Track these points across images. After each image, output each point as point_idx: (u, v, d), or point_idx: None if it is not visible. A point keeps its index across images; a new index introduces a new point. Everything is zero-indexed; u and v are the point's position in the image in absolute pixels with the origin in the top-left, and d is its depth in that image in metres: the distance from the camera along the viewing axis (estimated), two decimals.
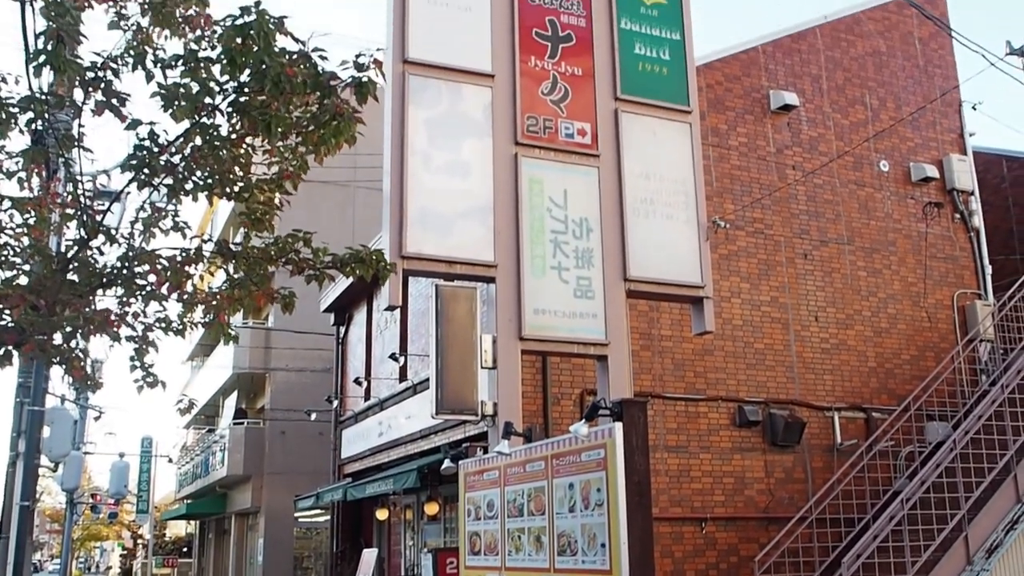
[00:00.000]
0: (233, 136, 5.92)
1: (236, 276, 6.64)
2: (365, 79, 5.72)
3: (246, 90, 5.59)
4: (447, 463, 9.92)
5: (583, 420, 7.39)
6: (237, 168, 6.17)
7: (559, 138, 9.88)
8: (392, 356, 15.38)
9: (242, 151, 6.16)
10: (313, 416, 20.40)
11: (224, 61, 5.44)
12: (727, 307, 12.73)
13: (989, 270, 14.62)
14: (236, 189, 6.24)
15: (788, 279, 13.32)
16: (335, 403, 19.47)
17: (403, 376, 15.71)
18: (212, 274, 7.05)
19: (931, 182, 14.63)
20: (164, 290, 6.02)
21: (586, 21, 10.35)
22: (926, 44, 15.48)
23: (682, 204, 10.21)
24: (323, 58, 5.65)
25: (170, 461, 37.13)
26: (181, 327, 6.57)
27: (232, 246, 6.52)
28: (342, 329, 20.11)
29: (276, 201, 6.61)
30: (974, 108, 15.50)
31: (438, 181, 9.25)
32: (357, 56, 5.71)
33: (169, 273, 5.97)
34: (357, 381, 17.89)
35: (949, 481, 10.64)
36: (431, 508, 14.52)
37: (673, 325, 12.36)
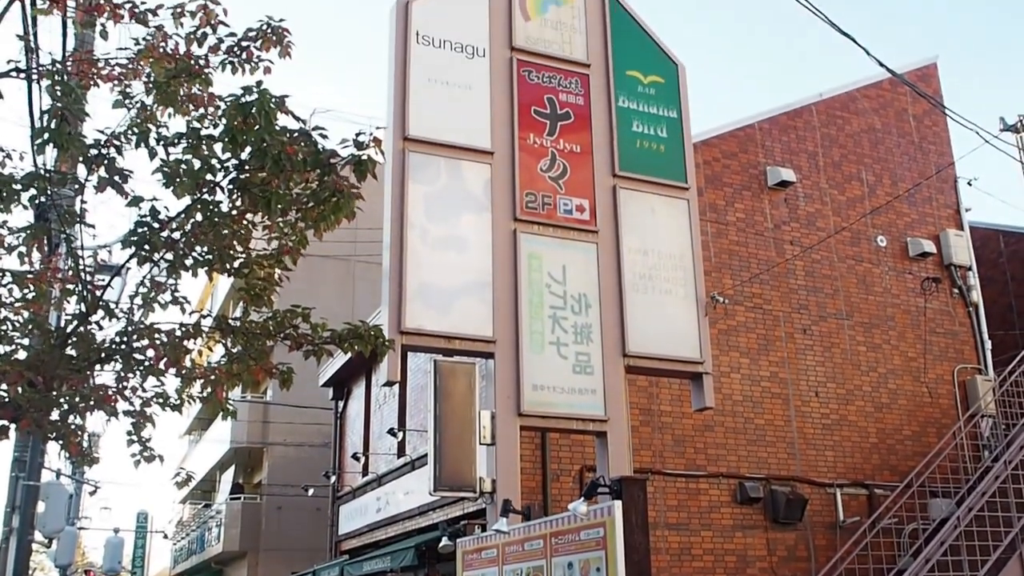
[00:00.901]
0: (233, 212, 5.98)
1: (234, 351, 6.64)
2: (365, 157, 5.81)
3: (247, 167, 5.68)
4: (445, 541, 9.80)
5: (582, 498, 7.32)
6: (237, 244, 6.23)
7: (558, 214, 9.98)
8: (390, 431, 15.28)
9: (242, 227, 6.22)
10: (310, 492, 20.20)
11: (226, 139, 5.53)
12: (727, 382, 12.68)
13: (989, 345, 14.60)
14: (236, 265, 6.28)
15: (788, 354, 13.30)
16: (333, 478, 19.27)
17: (401, 451, 15.58)
18: (211, 349, 7.05)
19: (929, 257, 14.70)
20: (162, 365, 6.02)
21: (584, 99, 10.54)
22: (920, 121, 15.71)
23: (681, 280, 10.27)
24: (323, 136, 5.75)
25: (165, 537, 36.59)
26: (179, 402, 6.55)
27: (231, 321, 6.53)
28: (340, 404, 20.00)
29: (275, 276, 6.64)
30: (970, 184, 15.67)
31: (437, 257, 9.32)
32: (357, 134, 5.81)
33: (167, 348, 5.97)
34: (355, 456, 17.74)
35: (954, 559, 10.49)
36: None
37: (673, 401, 12.30)
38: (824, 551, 12.38)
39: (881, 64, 10.04)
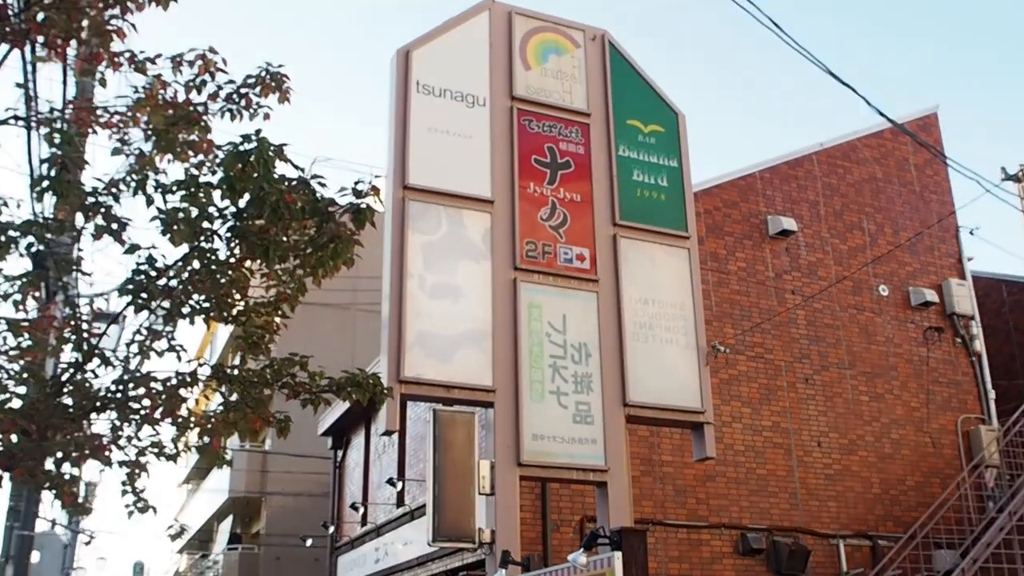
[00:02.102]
0: (231, 260, 5.97)
1: (232, 399, 6.59)
2: (363, 205, 5.81)
3: (245, 215, 5.68)
4: None
5: (582, 549, 7.22)
6: (234, 292, 6.21)
7: (558, 263, 9.98)
8: (390, 481, 15.14)
9: (240, 275, 6.20)
10: (309, 542, 19.94)
11: (224, 187, 5.54)
12: (728, 432, 12.58)
13: (992, 395, 14.50)
14: (233, 313, 6.25)
15: (790, 404, 13.21)
16: (331, 528, 19.06)
17: (400, 501, 15.42)
18: (207, 398, 7.01)
19: (931, 307, 14.66)
20: (158, 414, 5.97)
21: (584, 148, 10.59)
22: (922, 170, 15.77)
23: (681, 329, 10.24)
24: (322, 184, 5.76)
25: None
26: (175, 452, 6.49)
27: (228, 369, 6.49)
28: (339, 453, 19.85)
29: (273, 324, 6.61)
30: (971, 233, 15.68)
31: (437, 305, 9.30)
32: (356, 183, 5.83)
33: (163, 397, 5.92)
34: (354, 506, 17.55)
35: None
36: None
37: (674, 451, 12.20)
38: None
39: (881, 114, 10.10)
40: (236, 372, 6.42)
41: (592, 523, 10.52)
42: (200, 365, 6.40)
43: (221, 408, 6.59)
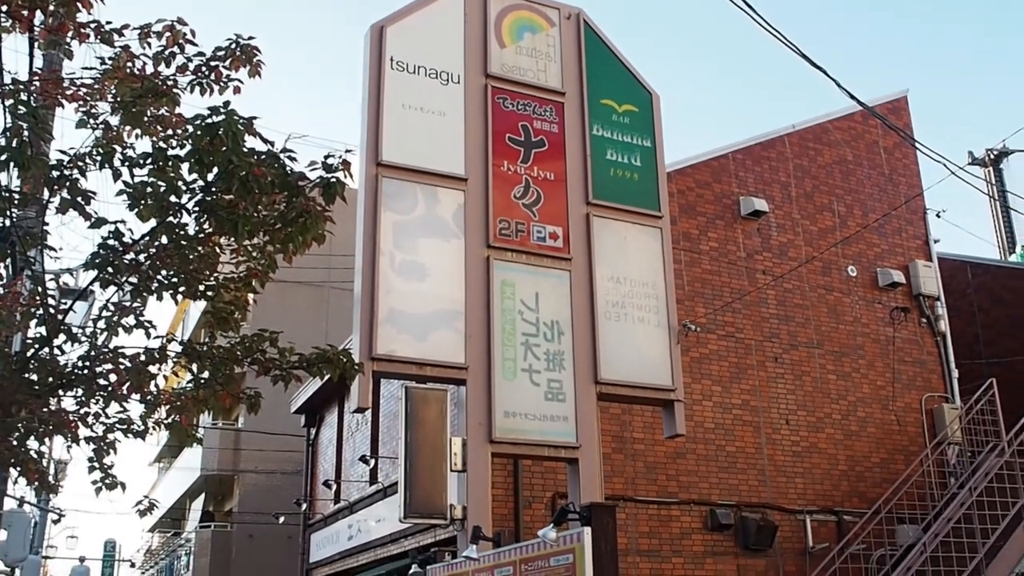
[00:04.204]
0: (200, 235, 5.94)
1: (201, 376, 6.57)
2: (334, 179, 5.79)
3: (214, 189, 5.64)
4: (415, 568, 9.73)
5: (552, 525, 7.30)
6: (203, 267, 6.17)
7: (531, 241, 9.99)
8: (362, 458, 15.16)
9: (209, 250, 6.17)
10: (281, 519, 19.96)
11: (192, 160, 5.50)
12: (699, 410, 12.70)
13: (956, 374, 14.73)
14: (202, 288, 6.22)
15: (759, 382, 13.35)
16: (304, 506, 19.08)
17: (373, 479, 15.46)
18: (177, 375, 6.98)
19: (898, 287, 14.83)
20: (125, 390, 5.94)
21: (558, 127, 10.58)
22: (891, 153, 15.90)
23: (653, 308, 10.29)
24: (292, 159, 5.72)
25: (132, 566, 36.03)
26: (143, 429, 6.46)
27: (197, 346, 6.47)
28: (312, 431, 19.84)
29: (243, 300, 6.59)
30: (938, 216, 15.83)
31: (409, 283, 9.29)
32: (326, 156, 5.79)
33: (131, 373, 5.89)
34: (327, 484, 17.58)
35: None
36: None
37: (645, 428, 12.29)
38: None
39: (852, 96, 10.16)
40: (206, 348, 6.39)
41: (563, 499, 10.61)
42: (169, 341, 6.37)
43: (191, 385, 6.58)
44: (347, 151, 5.89)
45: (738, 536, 12.38)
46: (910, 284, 14.93)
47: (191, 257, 6.15)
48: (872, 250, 14.99)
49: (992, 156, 27.35)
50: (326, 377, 6.69)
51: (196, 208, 5.88)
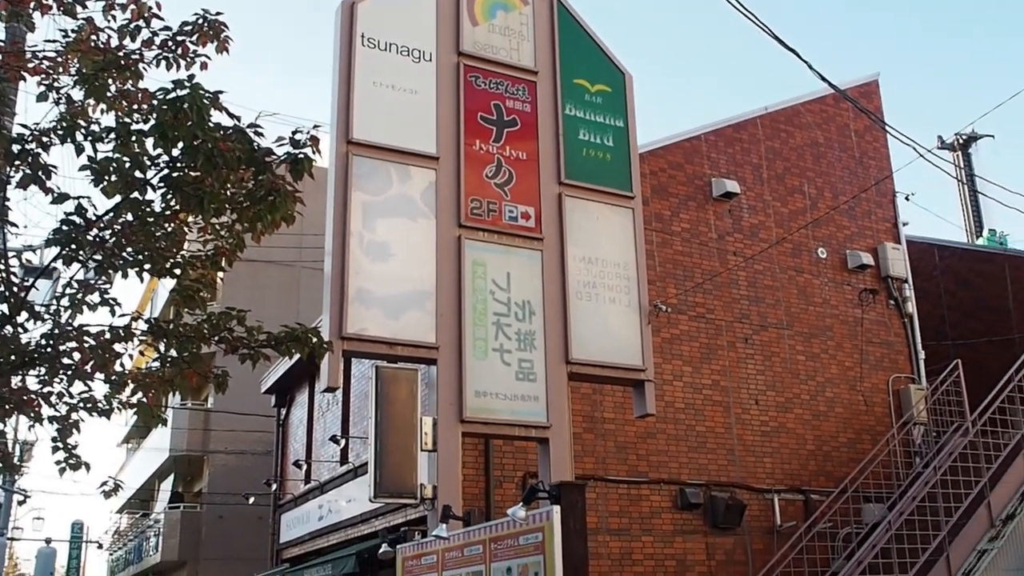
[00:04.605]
0: (166, 212, 5.85)
1: (168, 355, 6.50)
2: (301, 156, 5.71)
3: (179, 165, 5.56)
4: (384, 547, 9.72)
5: (521, 503, 7.31)
6: (170, 245, 6.09)
7: (503, 221, 9.96)
8: (333, 438, 15.13)
9: (175, 227, 6.09)
10: (251, 500, 19.89)
11: (156, 135, 5.40)
12: (669, 390, 12.76)
13: (922, 355, 14.90)
14: (168, 266, 6.14)
15: (729, 363, 13.43)
16: (274, 486, 19.03)
17: (344, 459, 15.44)
18: (143, 353, 6.90)
19: (867, 269, 14.95)
20: (89, 368, 5.86)
21: (531, 106, 10.53)
22: (862, 136, 15.99)
23: (624, 288, 10.30)
24: (259, 134, 5.64)
25: (100, 547, 35.82)
26: (108, 408, 6.38)
27: (163, 324, 6.39)
28: (283, 411, 19.77)
29: (209, 278, 6.51)
30: (907, 199, 15.97)
31: (380, 261, 9.24)
32: (294, 132, 5.71)
33: (95, 351, 5.81)
34: (297, 464, 17.54)
35: (885, 562, 10.68)
36: None
37: (616, 408, 12.34)
38: (761, 555, 12.50)
39: (823, 79, 10.19)
40: (172, 327, 6.31)
41: (534, 479, 10.63)
42: (135, 319, 6.29)
43: (157, 364, 6.50)
44: (315, 127, 5.82)
45: (707, 515, 12.49)
46: (879, 266, 15.07)
47: (157, 234, 6.06)
48: (842, 232, 15.09)
49: (961, 141, 27.63)
50: (296, 357, 6.64)
51: (161, 184, 5.79)
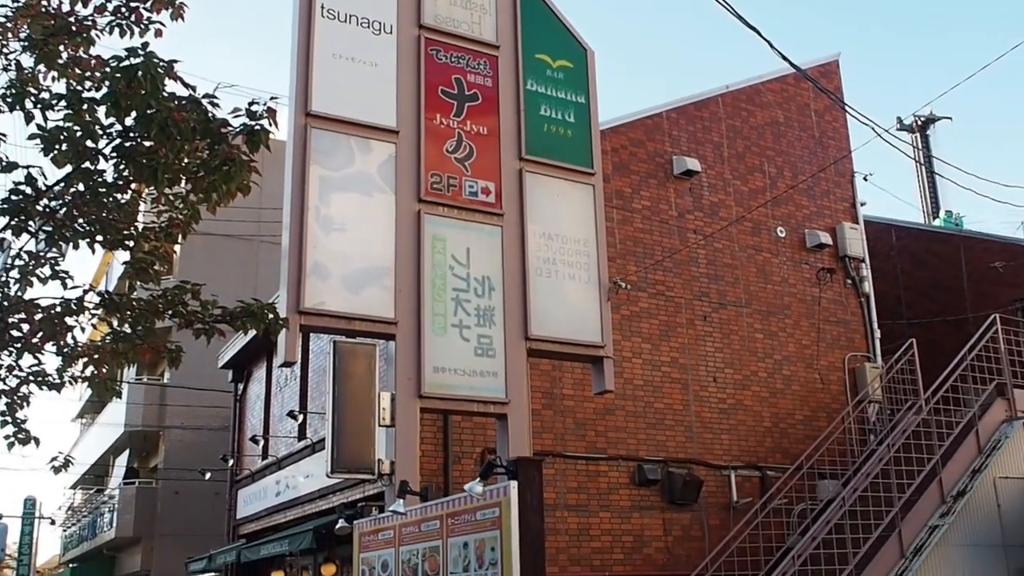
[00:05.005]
0: (118, 182, 5.73)
1: (121, 329, 6.39)
2: (258, 127, 5.61)
3: (132, 135, 5.43)
4: (341, 523, 9.70)
5: (478, 479, 7.31)
6: (123, 216, 5.97)
7: (463, 196, 9.90)
8: (291, 414, 15.05)
9: (128, 199, 5.97)
10: (208, 476, 19.75)
11: (108, 103, 5.27)
12: (628, 367, 12.82)
13: (878, 334, 15.12)
14: (120, 238, 6.02)
15: (688, 340, 13.52)
16: (231, 462, 18.91)
17: (302, 435, 15.36)
18: (95, 327, 6.78)
19: (825, 249, 15.10)
20: (37, 341, 5.74)
21: (492, 81, 10.45)
22: (821, 116, 16.09)
23: (584, 264, 10.30)
24: (214, 104, 5.53)
25: (53, 523, 35.39)
26: (59, 382, 6.27)
27: (116, 297, 6.27)
28: (240, 386, 19.62)
29: (164, 251, 6.40)
30: (865, 179, 16.16)
31: (338, 236, 9.14)
32: (250, 104, 5.61)
33: (44, 323, 5.69)
34: (254, 439, 17.43)
35: (838, 538, 10.84)
36: (328, 570, 14.10)
37: (575, 385, 12.38)
38: (718, 531, 12.65)
39: (784, 58, 10.20)
40: (124, 300, 6.19)
41: (492, 455, 10.65)
42: (86, 292, 6.17)
43: (109, 338, 6.39)
44: (272, 98, 5.72)
45: (664, 491, 12.60)
46: (836, 246, 15.22)
47: (109, 205, 5.94)
48: (801, 211, 15.22)
49: (920, 122, 27.97)
50: (251, 332, 6.56)
51: (114, 154, 5.66)
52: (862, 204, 16.00)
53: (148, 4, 5.77)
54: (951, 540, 11.05)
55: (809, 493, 12.72)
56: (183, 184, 6.04)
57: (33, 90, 5.51)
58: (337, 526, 9.90)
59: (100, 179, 5.69)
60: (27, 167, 5.51)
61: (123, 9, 5.74)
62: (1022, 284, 15.65)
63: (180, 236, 6.33)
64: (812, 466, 12.54)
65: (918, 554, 10.80)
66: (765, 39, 9.73)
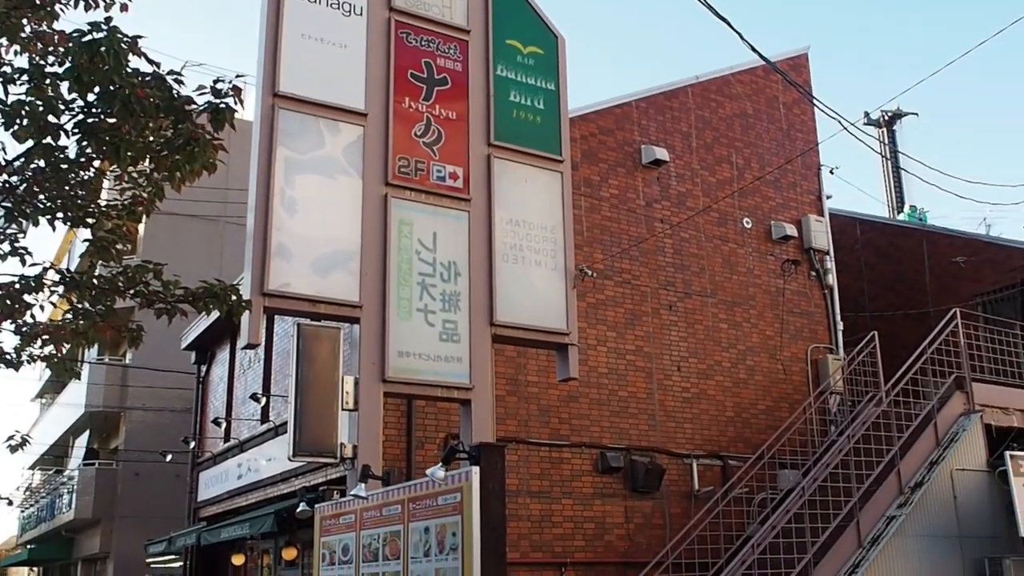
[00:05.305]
0: (80, 159, 5.64)
1: (80, 307, 6.31)
2: (223, 105, 5.55)
3: (94, 111, 5.35)
4: (302, 506, 9.66)
5: (440, 464, 7.30)
6: (85, 193, 5.88)
7: (430, 181, 9.86)
8: (254, 396, 14.94)
9: (90, 175, 5.88)
10: (169, 457, 19.57)
11: (71, 79, 5.19)
12: (593, 355, 12.86)
13: (841, 326, 15.28)
14: (82, 215, 5.93)
15: (653, 329, 13.58)
16: (193, 444, 18.76)
17: (265, 417, 15.27)
18: (54, 304, 6.68)
19: (790, 240, 15.22)
20: None
21: (462, 66, 10.41)
22: (790, 109, 16.19)
23: (550, 251, 10.31)
24: (179, 82, 5.46)
25: (10, 503, 34.91)
26: (16, 360, 6.18)
27: (76, 276, 6.19)
28: (203, 368, 19.46)
29: (126, 230, 6.32)
30: (831, 172, 16.26)
31: (304, 219, 9.07)
32: (215, 81, 5.54)
33: (2, 301, 5.60)
34: (216, 422, 17.30)
35: (798, 527, 10.96)
36: (289, 553, 14.07)
37: (540, 371, 12.41)
38: (679, 519, 12.75)
39: (754, 50, 10.26)
40: (84, 278, 6.11)
41: (456, 440, 10.65)
42: (46, 270, 6.08)
43: (70, 316, 6.31)
44: (238, 76, 5.66)
45: (627, 479, 12.68)
46: (802, 238, 15.35)
47: (71, 182, 5.85)
48: (767, 203, 15.32)
49: (886, 117, 28.24)
50: (215, 314, 6.50)
51: (76, 130, 5.57)
52: (828, 197, 16.14)
53: None
54: (908, 531, 11.21)
55: (770, 482, 12.86)
56: (147, 162, 5.95)
57: None
58: (298, 510, 9.85)
59: (62, 155, 5.60)
60: None
61: None
62: (983, 279, 15.89)
63: (143, 215, 6.24)
64: (773, 456, 12.67)
65: (875, 544, 10.95)
66: (736, 31, 9.77)
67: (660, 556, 11.70)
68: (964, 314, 13.14)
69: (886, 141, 27.93)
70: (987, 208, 43.52)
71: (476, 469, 6.95)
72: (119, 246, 6.49)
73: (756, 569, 10.73)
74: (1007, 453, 11.55)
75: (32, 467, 34.79)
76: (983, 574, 11.45)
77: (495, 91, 10.48)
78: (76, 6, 5.77)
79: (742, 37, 9.88)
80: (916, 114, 28.83)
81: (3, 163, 5.49)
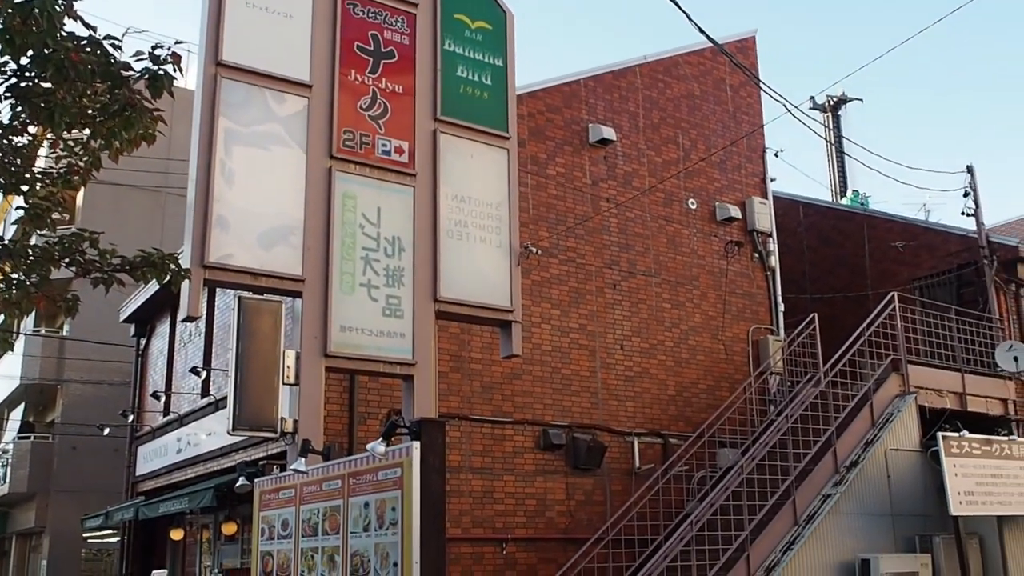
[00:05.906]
0: (14, 124, 5.49)
1: (13, 276, 6.16)
2: (161, 72, 5.43)
3: (27, 75, 5.21)
4: (241, 481, 9.57)
5: (381, 439, 7.29)
6: (18, 159, 5.73)
7: (375, 154, 9.78)
8: (194, 370, 14.77)
9: (24, 142, 5.73)
10: (106, 431, 19.27)
11: (2, 41, 5.04)
12: (537, 332, 12.91)
13: (782, 308, 15.51)
14: (15, 181, 5.78)
15: (597, 308, 13.66)
16: (131, 418, 18.49)
17: (205, 391, 15.11)
18: None
19: (734, 222, 15.38)
20: None
21: (410, 39, 10.31)
22: (737, 91, 16.33)
23: (495, 228, 10.30)
24: (116, 47, 5.33)
25: None
26: None
27: (8, 244, 6.04)
28: (143, 341, 19.16)
29: (61, 197, 6.18)
30: (776, 155, 16.47)
31: (246, 190, 8.95)
32: (154, 47, 5.42)
33: None
34: (156, 395, 17.08)
35: (735, 504, 11.15)
36: (229, 528, 13.96)
37: (484, 348, 12.42)
38: (619, 496, 12.90)
39: (701, 31, 10.32)
40: (18, 246, 5.97)
41: (398, 416, 10.63)
42: None
43: (2, 286, 6.16)
44: (177, 42, 5.54)
45: (568, 456, 12.77)
46: (745, 219, 15.52)
47: (4, 147, 5.69)
48: (712, 184, 15.46)
49: (832, 103, 28.64)
50: (154, 285, 6.40)
51: (8, 94, 5.42)
52: (772, 180, 16.34)
53: None
54: (842, 509, 11.47)
55: (709, 461, 13.06)
56: (83, 129, 5.82)
57: None
58: (238, 484, 9.75)
59: None
60: None
61: None
62: (921, 264, 16.23)
63: (80, 183, 6.11)
64: (713, 435, 12.86)
65: (810, 522, 11.19)
66: (683, 11, 9.81)
67: (600, 532, 11.84)
68: (902, 298, 13.42)
69: (831, 126, 28.35)
70: (927, 194, 44.33)
71: (416, 444, 6.95)
72: (55, 215, 6.34)
73: (694, 545, 10.91)
74: (939, 434, 11.84)
75: None
76: (914, 551, 11.77)
77: (442, 66, 10.40)
78: None
79: (689, 18, 9.94)
80: (861, 100, 29.35)
81: None
